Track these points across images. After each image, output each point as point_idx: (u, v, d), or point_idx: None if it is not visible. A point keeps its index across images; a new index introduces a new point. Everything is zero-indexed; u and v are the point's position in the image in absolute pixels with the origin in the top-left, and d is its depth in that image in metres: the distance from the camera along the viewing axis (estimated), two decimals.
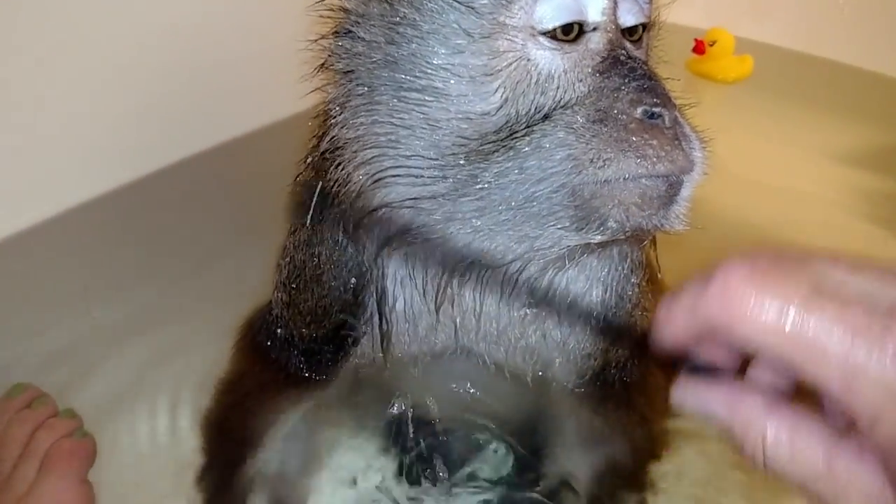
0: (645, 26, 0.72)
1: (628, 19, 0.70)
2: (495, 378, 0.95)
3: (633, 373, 0.97)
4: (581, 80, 0.65)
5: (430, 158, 0.66)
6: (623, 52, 0.66)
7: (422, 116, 0.66)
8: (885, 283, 0.42)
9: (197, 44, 1.46)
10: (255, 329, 1.02)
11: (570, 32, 0.65)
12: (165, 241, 1.38)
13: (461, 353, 0.92)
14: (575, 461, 0.96)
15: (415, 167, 0.67)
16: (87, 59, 1.34)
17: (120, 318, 1.20)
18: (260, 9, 1.51)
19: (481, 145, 0.64)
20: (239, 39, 1.49)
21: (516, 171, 0.64)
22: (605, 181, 0.63)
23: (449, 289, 0.82)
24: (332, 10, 0.70)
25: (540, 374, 0.94)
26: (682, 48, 1.98)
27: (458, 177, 0.65)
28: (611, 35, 0.66)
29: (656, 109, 0.63)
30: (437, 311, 0.84)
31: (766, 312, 0.41)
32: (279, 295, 0.93)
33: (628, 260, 0.86)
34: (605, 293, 0.87)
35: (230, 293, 1.21)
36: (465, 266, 0.78)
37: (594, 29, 0.66)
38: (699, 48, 1.99)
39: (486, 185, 0.64)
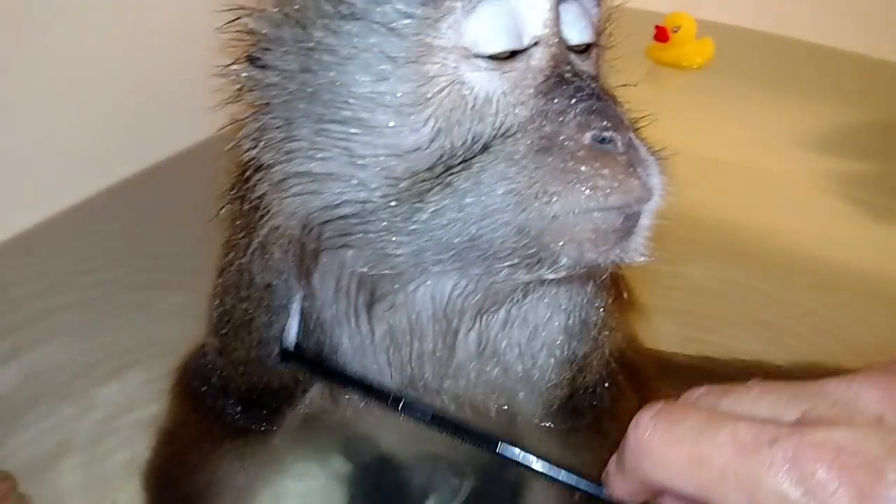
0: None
1: (573, 37, 0.64)
2: (456, 414, 0.90)
3: (604, 398, 0.94)
4: (522, 103, 0.60)
5: (358, 201, 0.61)
6: (568, 68, 0.61)
7: (346, 154, 0.61)
8: (795, 400, 0.43)
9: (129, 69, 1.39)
10: (191, 373, 0.96)
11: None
12: (112, 270, 1.31)
13: (417, 390, 0.87)
14: (545, 497, 0.92)
15: (342, 213, 0.62)
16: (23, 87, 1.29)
17: (63, 355, 1.14)
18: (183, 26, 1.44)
19: (414, 184, 0.59)
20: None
21: (454, 211, 0.59)
22: (553, 217, 0.58)
23: (396, 327, 0.77)
24: (243, 32, 0.64)
25: (504, 407, 0.90)
26: (641, 35, 1.94)
27: (392, 220, 0.60)
28: (554, 49, 0.61)
29: (607, 134, 0.58)
30: (386, 351, 0.79)
31: (666, 448, 0.43)
32: (211, 340, 0.88)
33: (591, 283, 0.82)
34: (568, 320, 0.83)
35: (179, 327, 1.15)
36: (411, 304, 0.74)
37: (535, 43, 0.61)
38: (662, 35, 1.95)
39: (421, 228, 0.59)
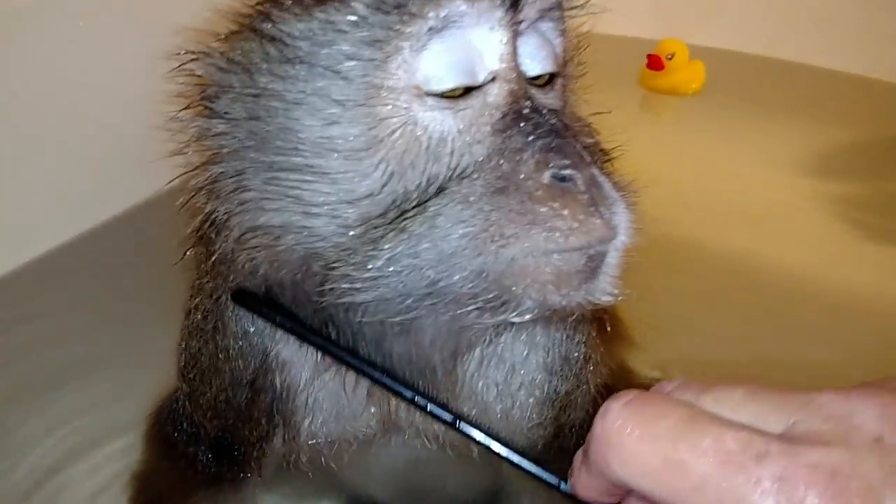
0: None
1: (533, 68, 0.63)
2: (438, 456, 0.89)
3: None
4: (479, 142, 0.59)
5: (314, 252, 0.60)
6: (527, 104, 0.60)
7: (298, 202, 0.60)
8: (782, 408, 0.41)
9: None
10: (164, 418, 0.95)
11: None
12: (87, 312, 1.29)
13: (396, 432, 0.86)
14: None
15: (296, 262, 0.61)
16: None
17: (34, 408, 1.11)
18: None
19: (366, 231, 0.58)
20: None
21: (410, 257, 0.58)
22: (511, 260, 0.57)
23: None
24: (192, 78, 0.63)
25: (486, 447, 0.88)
26: (633, 62, 1.91)
27: (347, 269, 0.59)
28: (512, 85, 0.60)
29: (566, 172, 0.57)
30: (359, 393, 0.78)
31: (638, 444, 0.40)
32: (181, 384, 0.87)
33: (570, 318, 0.80)
34: (547, 357, 0.81)
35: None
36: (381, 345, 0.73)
37: (492, 79, 0.60)
38: (657, 64, 1.91)
39: (377, 275, 0.58)
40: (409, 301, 0.61)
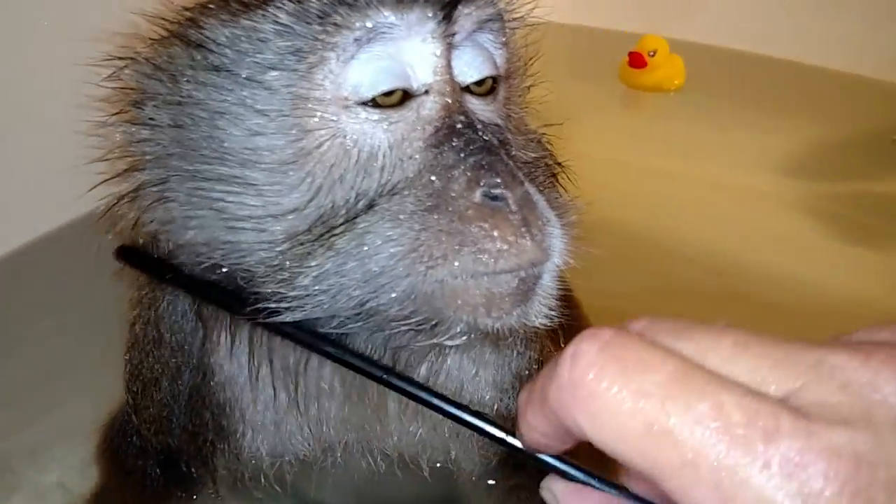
0: (496, 78, 0.63)
1: (470, 74, 0.61)
2: (388, 472, 0.87)
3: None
4: (411, 157, 0.57)
5: (240, 267, 0.58)
6: (461, 118, 0.57)
7: (222, 214, 0.57)
8: (786, 367, 0.33)
9: None
10: (113, 432, 0.93)
11: (394, 94, 0.57)
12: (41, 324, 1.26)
13: (343, 449, 0.83)
14: None
15: (226, 277, 0.59)
16: None
17: None
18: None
19: (292, 247, 0.55)
20: None
21: (336, 275, 0.55)
22: (440, 281, 0.54)
23: (306, 384, 0.73)
24: (118, 85, 0.61)
25: (437, 464, 0.86)
26: (613, 57, 1.89)
27: (275, 286, 0.56)
28: (446, 98, 0.58)
29: (497, 191, 0.54)
30: (299, 409, 0.75)
31: (617, 403, 0.32)
32: (127, 397, 0.84)
33: (517, 336, 0.78)
34: (497, 375, 0.79)
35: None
36: (317, 366, 0.71)
37: (426, 92, 0.57)
38: (639, 62, 1.88)
39: (304, 293, 0.56)
40: (338, 320, 0.58)
